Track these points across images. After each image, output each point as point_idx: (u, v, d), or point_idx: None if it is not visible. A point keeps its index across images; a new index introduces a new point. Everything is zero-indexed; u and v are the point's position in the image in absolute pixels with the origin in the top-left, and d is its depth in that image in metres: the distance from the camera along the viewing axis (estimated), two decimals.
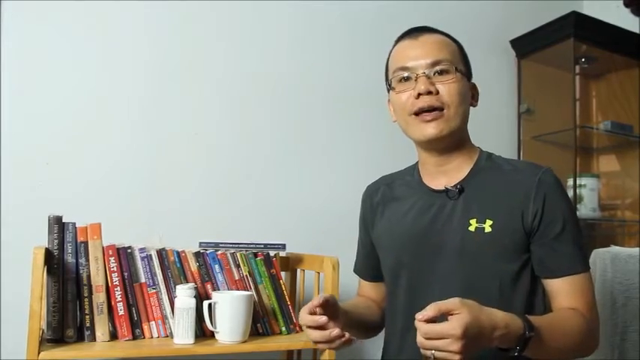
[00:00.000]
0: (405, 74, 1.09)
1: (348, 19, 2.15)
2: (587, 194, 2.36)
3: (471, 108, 1.15)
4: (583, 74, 2.55)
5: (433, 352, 0.80)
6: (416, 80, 1.07)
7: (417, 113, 1.07)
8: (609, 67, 2.53)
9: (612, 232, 2.57)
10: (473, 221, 1.04)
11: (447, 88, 1.06)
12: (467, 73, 1.13)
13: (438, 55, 1.08)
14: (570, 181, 2.32)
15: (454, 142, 1.10)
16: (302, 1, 2.07)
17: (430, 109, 1.06)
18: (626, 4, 2.51)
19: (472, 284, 1.02)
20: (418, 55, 1.08)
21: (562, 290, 1.03)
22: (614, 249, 1.75)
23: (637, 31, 2.44)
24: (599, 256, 1.72)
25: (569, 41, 2.27)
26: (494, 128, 2.45)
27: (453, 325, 0.78)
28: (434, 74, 1.07)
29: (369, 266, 1.28)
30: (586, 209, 2.35)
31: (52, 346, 1.24)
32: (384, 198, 1.23)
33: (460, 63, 1.11)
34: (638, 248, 1.78)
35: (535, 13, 2.47)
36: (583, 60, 2.44)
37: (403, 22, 2.21)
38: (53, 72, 1.71)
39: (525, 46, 2.47)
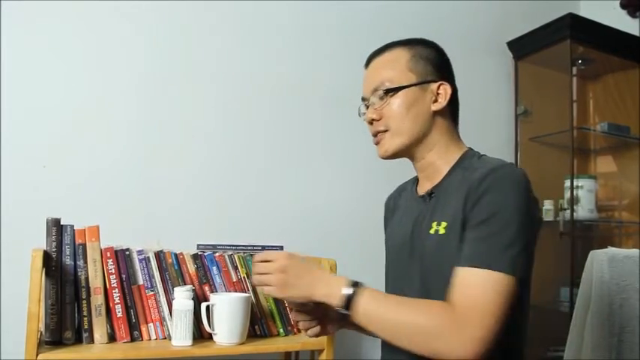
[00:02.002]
0: (364, 103, 1.16)
1: (346, 18, 2.16)
2: (585, 195, 2.37)
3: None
4: (580, 76, 2.56)
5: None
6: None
7: None
8: (606, 68, 2.54)
9: (609, 233, 2.57)
10: (434, 224, 1.05)
11: (385, 112, 1.11)
12: (421, 78, 1.11)
13: (376, 81, 1.12)
14: (567, 183, 2.33)
15: (416, 150, 1.13)
16: (301, 0, 2.08)
17: (376, 134, 1.14)
18: (623, 6, 2.53)
19: (429, 286, 1.02)
20: (365, 85, 1.15)
21: (454, 278, 0.95)
22: (611, 250, 1.75)
23: (633, 32, 2.45)
24: (596, 258, 1.72)
25: (565, 43, 2.28)
26: (492, 129, 2.46)
27: (272, 261, 1.03)
28: (378, 99, 1.12)
29: None
30: (583, 210, 2.35)
31: (50, 348, 1.24)
32: (394, 206, 1.28)
33: (404, 75, 1.11)
34: (635, 249, 1.78)
35: (532, 15, 2.48)
36: (580, 61, 2.45)
37: (401, 23, 2.24)
38: (50, 74, 1.71)
39: (522, 47, 2.48)
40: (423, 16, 2.32)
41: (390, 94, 1.09)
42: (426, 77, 1.11)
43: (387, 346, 1.17)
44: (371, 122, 1.13)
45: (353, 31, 2.16)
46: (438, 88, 1.12)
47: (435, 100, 1.11)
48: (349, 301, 0.96)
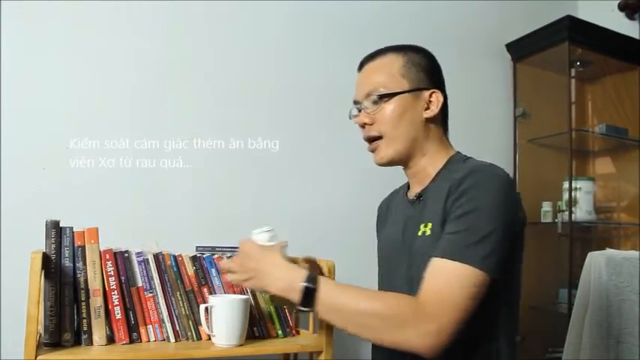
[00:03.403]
0: (356, 107, 1.18)
1: (345, 20, 2.17)
2: (583, 197, 2.37)
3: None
4: (578, 78, 2.56)
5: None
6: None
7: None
8: (604, 70, 2.55)
9: (608, 234, 2.58)
10: (422, 226, 1.07)
11: (378, 118, 1.12)
12: (414, 85, 1.12)
13: (369, 86, 1.14)
14: (566, 184, 2.33)
15: (410, 157, 1.15)
16: (300, 1, 2.08)
17: (369, 140, 1.15)
18: (621, 8, 2.53)
19: (418, 287, 1.01)
20: (359, 89, 1.17)
21: (426, 271, 0.96)
22: (609, 251, 1.76)
23: (632, 34, 2.46)
24: (594, 259, 1.73)
25: (564, 45, 2.29)
26: (491, 131, 2.46)
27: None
28: (371, 104, 1.13)
29: None
30: (582, 212, 2.36)
31: (49, 350, 1.24)
32: (386, 211, 1.31)
33: (397, 81, 1.12)
34: (632, 251, 1.79)
35: (530, 17, 2.49)
36: (578, 63, 2.45)
37: (400, 24, 2.24)
38: (50, 74, 1.72)
39: (521, 49, 2.49)
40: (422, 18, 2.32)
41: (384, 99, 1.11)
42: (419, 84, 1.13)
43: (378, 347, 1.19)
44: (363, 126, 1.15)
45: (352, 32, 2.17)
46: (430, 95, 1.13)
47: (427, 108, 1.13)
48: (308, 294, 0.98)
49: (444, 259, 0.95)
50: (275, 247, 1.11)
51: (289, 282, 1.01)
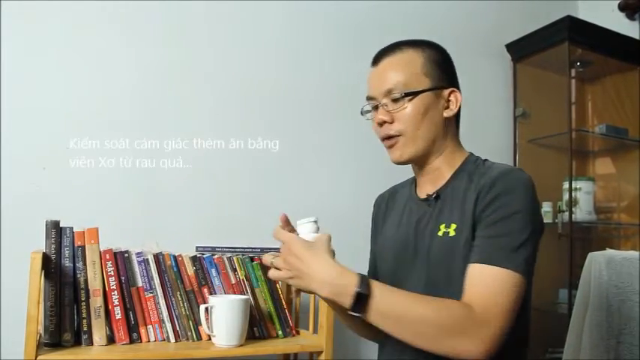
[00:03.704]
0: (371, 103, 1.13)
1: (342, 20, 2.17)
2: (583, 197, 2.37)
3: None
4: (578, 78, 2.56)
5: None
6: (376, 109, 1.12)
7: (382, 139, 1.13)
8: (604, 70, 2.55)
9: (608, 235, 2.58)
10: (442, 226, 1.06)
11: (400, 116, 1.08)
12: (435, 83, 1.10)
13: (389, 82, 1.09)
14: (566, 185, 2.33)
15: (427, 156, 1.12)
16: (299, 1, 2.09)
17: (388, 137, 1.10)
18: (621, 9, 2.53)
19: (436, 287, 1.01)
20: (376, 85, 1.11)
21: (467, 277, 0.96)
22: (609, 252, 1.76)
23: (632, 35, 2.46)
24: (594, 259, 1.72)
25: (564, 45, 2.29)
26: (491, 132, 2.46)
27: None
28: (391, 101, 1.09)
29: (377, 274, 1.29)
30: (582, 212, 2.36)
31: (49, 350, 1.24)
32: (387, 208, 1.27)
33: (420, 79, 1.09)
34: (632, 251, 1.79)
35: (530, 18, 2.49)
36: (578, 64, 2.45)
37: (399, 26, 2.24)
38: (50, 74, 1.72)
39: (521, 50, 2.49)
40: (422, 18, 2.32)
41: (408, 98, 1.07)
42: (439, 83, 1.10)
43: (389, 347, 1.17)
44: (380, 124, 1.10)
45: (352, 32, 2.17)
46: (449, 94, 1.11)
47: (447, 107, 1.11)
48: (360, 300, 0.92)
49: (485, 265, 0.95)
50: (322, 244, 1.01)
51: (340, 286, 0.93)
